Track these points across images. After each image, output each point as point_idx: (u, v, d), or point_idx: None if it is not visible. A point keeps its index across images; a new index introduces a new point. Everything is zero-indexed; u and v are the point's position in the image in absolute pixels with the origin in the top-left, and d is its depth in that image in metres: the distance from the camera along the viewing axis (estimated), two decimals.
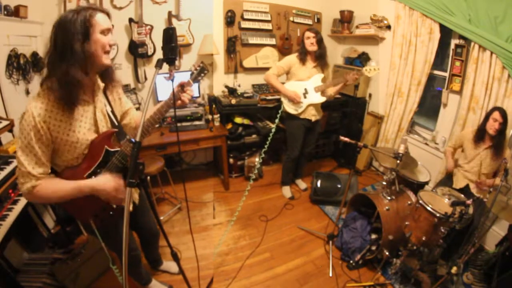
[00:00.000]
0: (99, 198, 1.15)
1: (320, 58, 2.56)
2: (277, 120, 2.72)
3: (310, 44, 2.47)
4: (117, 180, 1.14)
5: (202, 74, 1.28)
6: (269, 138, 2.67)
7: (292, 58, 2.62)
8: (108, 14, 1.08)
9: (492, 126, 2.07)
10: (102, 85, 1.20)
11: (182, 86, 1.24)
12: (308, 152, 3.02)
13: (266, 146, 2.72)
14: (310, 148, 2.99)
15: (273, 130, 2.70)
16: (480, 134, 2.18)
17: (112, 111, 1.26)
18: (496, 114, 2.05)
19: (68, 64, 0.98)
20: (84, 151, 1.13)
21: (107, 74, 1.18)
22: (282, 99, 2.72)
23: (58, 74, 0.98)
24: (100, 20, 1.03)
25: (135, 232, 1.74)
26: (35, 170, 1.02)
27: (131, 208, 1.33)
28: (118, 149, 1.21)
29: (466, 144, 2.29)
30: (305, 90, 2.60)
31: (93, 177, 1.16)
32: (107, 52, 1.08)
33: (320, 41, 2.49)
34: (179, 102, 1.25)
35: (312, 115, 2.69)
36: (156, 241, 1.89)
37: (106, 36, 1.06)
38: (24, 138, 0.99)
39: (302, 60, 2.56)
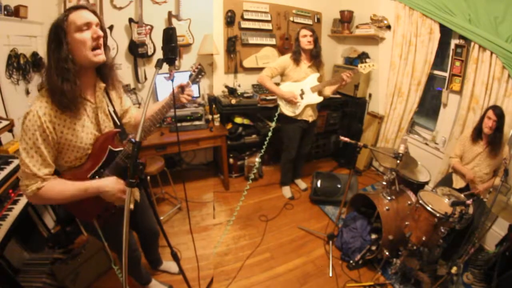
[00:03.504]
0: (102, 199, 1.15)
1: (316, 57, 2.54)
2: (273, 124, 2.67)
3: (307, 42, 2.45)
4: (122, 181, 1.16)
5: (200, 76, 1.29)
6: (267, 139, 2.65)
7: (286, 59, 2.58)
8: (88, 9, 1.02)
9: (486, 125, 2.09)
10: (103, 85, 1.19)
11: (182, 88, 1.26)
12: (305, 153, 3.02)
13: (264, 147, 2.70)
14: (307, 149, 2.98)
15: (269, 133, 2.65)
16: (477, 134, 2.20)
17: (114, 111, 1.26)
18: (490, 113, 2.08)
19: (48, 74, 0.98)
20: (87, 151, 1.13)
21: (107, 74, 1.17)
22: (279, 101, 2.68)
23: (46, 83, 1.00)
24: (74, 18, 0.98)
25: (135, 232, 1.74)
26: (40, 171, 1.01)
27: (132, 207, 1.33)
28: (121, 148, 1.21)
29: (466, 146, 2.30)
30: (301, 91, 2.57)
31: (97, 177, 1.16)
32: (94, 48, 1.02)
33: (316, 40, 2.48)
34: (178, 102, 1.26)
35: (309, 115, 2.67)
36: (156, 241, 1.89)
37: (86, 31, 1.00)
38: (29, 139, 0.97)
39: (296, 60, 2.53)
